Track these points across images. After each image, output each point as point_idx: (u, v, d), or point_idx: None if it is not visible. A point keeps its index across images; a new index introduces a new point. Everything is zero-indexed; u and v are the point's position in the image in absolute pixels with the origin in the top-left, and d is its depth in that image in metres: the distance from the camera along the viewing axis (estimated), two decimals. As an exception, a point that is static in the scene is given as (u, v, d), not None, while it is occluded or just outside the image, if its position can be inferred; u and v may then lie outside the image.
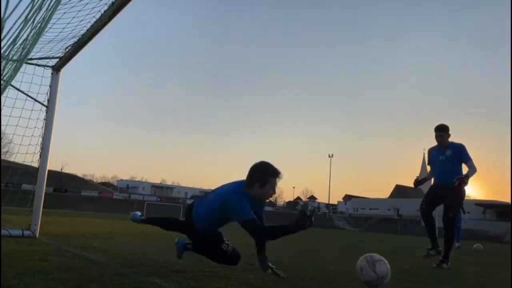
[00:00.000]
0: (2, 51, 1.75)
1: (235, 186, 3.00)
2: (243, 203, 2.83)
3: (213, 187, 3.38)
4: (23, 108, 5.39)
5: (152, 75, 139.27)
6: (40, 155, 5.50)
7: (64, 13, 3.74)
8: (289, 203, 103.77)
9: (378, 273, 2.71)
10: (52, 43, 4.70)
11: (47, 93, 5.61)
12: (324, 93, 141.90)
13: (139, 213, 3.69)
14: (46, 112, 5.56)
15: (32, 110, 5.48)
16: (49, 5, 1.98)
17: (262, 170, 2.96)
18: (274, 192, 2.99)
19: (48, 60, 5.53)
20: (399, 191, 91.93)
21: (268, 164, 3.01)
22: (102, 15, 3.90)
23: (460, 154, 5.20)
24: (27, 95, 5.40)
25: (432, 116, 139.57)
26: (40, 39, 3.80)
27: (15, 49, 2.13)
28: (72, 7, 3.66)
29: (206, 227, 3.07)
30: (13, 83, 5.04)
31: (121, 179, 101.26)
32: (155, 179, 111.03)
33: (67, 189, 61.76)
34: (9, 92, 5.12)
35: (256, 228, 2.81)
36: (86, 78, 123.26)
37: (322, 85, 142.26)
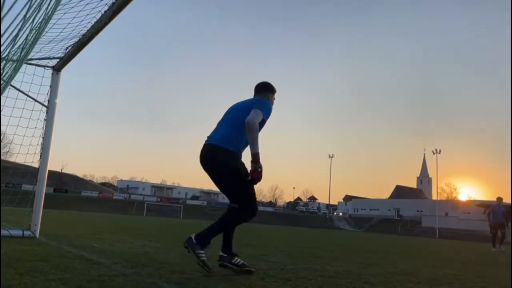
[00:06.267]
0: (1, 50, 1.75)
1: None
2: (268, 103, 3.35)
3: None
4: (23, 109, 5.38)
5: (152, 76, 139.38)
6: (40, 156, 5.50)
7: (65, 13, 3.73)
8: (289, 203, 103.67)
9: None
10: (53, 43, 4.69)
11: (47, 94, 5.61)
12: (324, 93, 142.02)
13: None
14: (47, 113, 5.56)
15: (32, 110, 5.47)
16: (48, 5, 1.98)
17: (270, 86, 3.59)
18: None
19: (49, 60, 5.52)
20: (399, 192, 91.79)
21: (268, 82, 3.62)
22: (102, 15, 3.90)
23: None
24: (27, 95, 5.39)
25: (432, 116, 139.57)
26: (41, 39, 3.81)
27: (15, 49, 2.13)
28: (72, 7, 3.66)
29: (237, 147, 3.15)
30: (14, 83, 5.04)
31: (121, 180, 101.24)
32: (155, 180, 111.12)
33: (67, 189, 61.77)
34: (9, 92, 5.12)
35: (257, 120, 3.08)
36: (86, 78, 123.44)
37: (322, 84, 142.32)
